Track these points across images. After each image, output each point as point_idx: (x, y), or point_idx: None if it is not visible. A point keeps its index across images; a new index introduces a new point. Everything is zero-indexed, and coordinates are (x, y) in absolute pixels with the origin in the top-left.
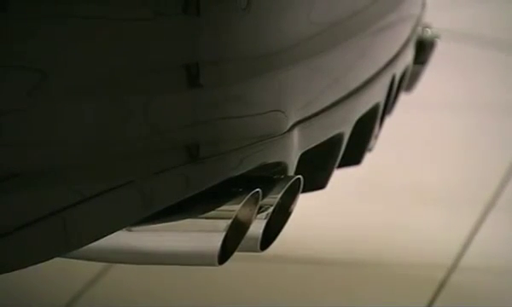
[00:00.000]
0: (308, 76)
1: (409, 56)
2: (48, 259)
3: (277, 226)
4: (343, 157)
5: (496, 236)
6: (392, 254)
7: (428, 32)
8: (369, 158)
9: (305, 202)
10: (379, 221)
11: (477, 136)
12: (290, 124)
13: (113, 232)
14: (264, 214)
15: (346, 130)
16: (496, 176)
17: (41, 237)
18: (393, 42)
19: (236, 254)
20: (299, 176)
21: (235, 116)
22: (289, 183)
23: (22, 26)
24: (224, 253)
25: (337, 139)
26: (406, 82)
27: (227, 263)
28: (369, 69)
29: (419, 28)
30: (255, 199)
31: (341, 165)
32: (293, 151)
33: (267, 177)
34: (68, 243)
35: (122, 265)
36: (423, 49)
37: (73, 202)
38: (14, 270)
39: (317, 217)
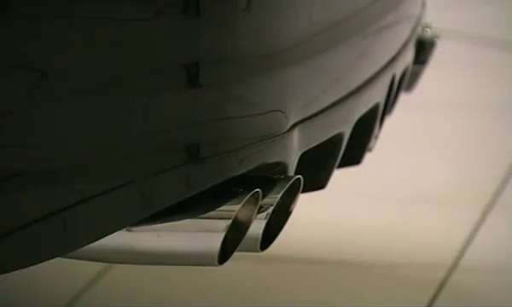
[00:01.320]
0: (308, 76)
1: (409, 56)
2: (48, 259)
3: (277, 226)
4: (343, 157)
5: (496, 236)
6: (393, 254)
7: (428, 32)
8: (369, 158)
9: (305, 202)
10: (379, 221)
11: (477, 136)
12: (290, 124)
13: (113, 232)
14: (264, 214)
15: (346, 130)
16: (496, 177)
17: (41, 237)
18: (393, 42)
19: (236, 254)
20: (299, 176)
21: (236, 116)
22: (289, 183)
23: (22, 26)
24: (224, 253)
25: (337, 139)
26: (406, 82)
27: (227, 263)
28: (370, 69)
29: (419, 28)
30: (255, 199)
31: (341, 165)
32: (293, 151)
33: (267, 177)
34: (68, 243)
35: (122, 265)
36: (423, 49)
37: (73, 202)
38: (14, 270)
39: (316, 217)
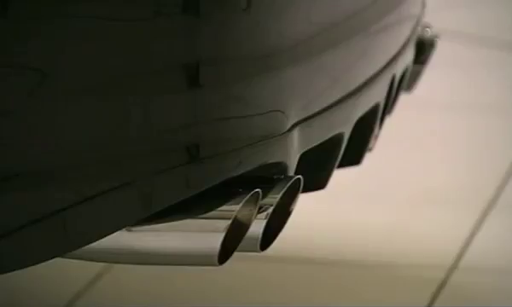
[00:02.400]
0: (308, 76)
1: (409, 56)
2: (48, 259)
3: (277, 226)
4: (343, 157)
5: (496, 236)
6: (393, 254)
7: (428, 32)
8: (369, 158)
9: (305, 202)
10: (379, 221)
11: (477, 137)
12: (290, 124)
13: (113, 232)
14: (264, 214)
15: (346, 130)
16: (496, 177)
17: (41, 237)
18: (393, 42)
19: (236, 254)
20: (299, 176)
21: (235, 116)
22: (289, 183)
23: (22, 25)
24: (224, 253)
25: (337, 139)
26: (406, 82)
27: (227, 263)
28: (369, 69)
29: (419, 28)
30: (255, 199)
31: (341, 165)
32: (293, 151)
33: (267, 177)
34: (68, 243)
35: (122, 265)
36: (423, 49)
37: (73, 202)
38: (14, 270)
39: (317, 217)
